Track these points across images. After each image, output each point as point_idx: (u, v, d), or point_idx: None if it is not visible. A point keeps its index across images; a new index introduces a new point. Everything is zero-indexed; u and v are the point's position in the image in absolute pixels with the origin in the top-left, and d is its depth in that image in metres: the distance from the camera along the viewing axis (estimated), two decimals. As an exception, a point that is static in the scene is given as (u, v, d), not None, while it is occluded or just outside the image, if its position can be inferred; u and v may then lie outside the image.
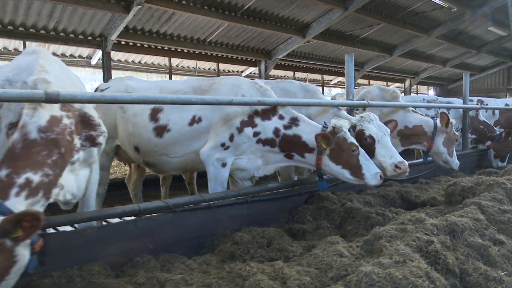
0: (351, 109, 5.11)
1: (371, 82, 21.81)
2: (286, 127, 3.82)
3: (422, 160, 6.38)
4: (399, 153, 4.13)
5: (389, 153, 3.95)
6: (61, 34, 9.97)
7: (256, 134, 3.80)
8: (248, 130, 3.76)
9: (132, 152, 4.13)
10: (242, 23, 11.42)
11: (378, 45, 16.41)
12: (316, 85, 18.82)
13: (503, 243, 2.91)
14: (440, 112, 5.34)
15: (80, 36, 10.30)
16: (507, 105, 9.84)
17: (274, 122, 3.84)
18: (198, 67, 14.26)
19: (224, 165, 3.80)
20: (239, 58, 14.10)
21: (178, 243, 3.31)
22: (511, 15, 11.60)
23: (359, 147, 3.68)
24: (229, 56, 13.78)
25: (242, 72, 15.76)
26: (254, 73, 15.17)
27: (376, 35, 15.39)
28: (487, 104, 9.75)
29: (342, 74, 18.85)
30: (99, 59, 11.48)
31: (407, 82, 22.97)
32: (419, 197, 4.50)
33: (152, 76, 12.92)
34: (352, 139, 3.67)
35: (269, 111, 3.87)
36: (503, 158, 7.77)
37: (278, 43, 13.80)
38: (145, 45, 11.60)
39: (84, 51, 11.48)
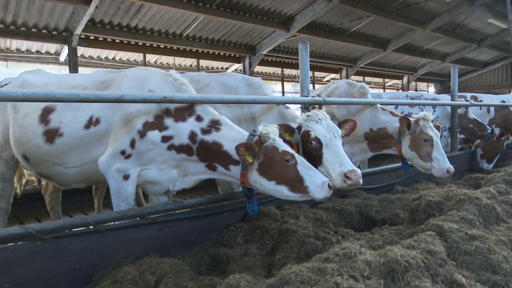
0: (306, 107, 4.35)
1: (366, 79, 20.95)
2: (205, 131, 3.09)
3: (399, 165, 5.63)
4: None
5: (338, 159, 3.20)
6: (22, 28, 9.29)
7: (165, 139, 3.07)
8: (153, 134, 3.03)
9: (22, 162, 3.42)
10: (219, 16, 10.67)
11: (371, 40, 15.57)
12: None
13: (463, 286, 2.16)
14: (399, 117, 4.55)
15: (43, 31, 9.61)
16: (503, 101, 9.00)
17: (190, 125, 3.10)
18: (178, 64, 13.53)
19: (126, 177, 3.07)
20: (221, 54, 13.36)
21: (51, 279, 2.59)
22: (509, 4, 10.74)
23: (296, 155, 2.93)
24: (210, 52, 13.03)
25: (227, 68, 15.01)
26: (240, 70, 14.41)
27: (367, 29, 14.55)
28: (481, 101, 8.93)
29: (334, 71, 18.10)
30: (67, 56, 10.79)
31: (405, 79, 22.06)
32: (380, 213, 3.74)
33: None
34: (285, 147, 2.92)
35: (185, 110, 3.13)
36: (490, 159, 6.96)
37: (261, 38, 13.03)
38: (117, 40, 10.89)
39: (51, 47, 10.79)
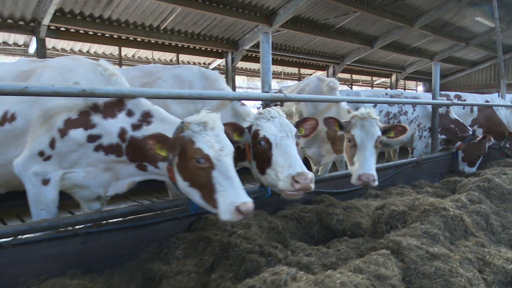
0: (267, 104, 3.97)
1: (354, 76, 20.69)
2: (135, 127, 2.69)
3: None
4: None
5: (287, 161, 2.85)
6: (-15, 17, 8.78)
7: (92, 138, 2.67)
8: (77, 133, 2.62)
9: None
10: (197, 9, 10.23)
11: (358, 36, 15.25)
12: (293, 79, 17.73)
13: (413, 320, 1.80)
14: (324, 118, 4.07)
15: (9, 21, 9.10)
16: (487, 101, 8.73)
17: (120, 121, 2.70)
18: (158, 58, 13.06)
19: (45, 182, 2.67)
20: (202, 48, 12.92)
21: None
22: (495, 1, 10.48)
23: (217, 159, 2.41)
24: (191, 46, 12.60)
25: (209, 64, 14.58)
26: (223, 66, 13.99)
27: (354, 25, 14.22)
28: (464, 100, 8.65)
29: (321, 68, 17.75)
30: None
31: (393, 77, 21.83)
32: (342, 223, 3.38)
33: None
34: (203, 145, 2.40)
35: (115, 105, 2.73)
36: (472, 162, 6.67)
37: (244, 33, 12.62)
38: (90, 32, 10.39)
39: (19, 38, 10.26)
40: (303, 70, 17.88)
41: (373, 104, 7.04)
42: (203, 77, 3.84)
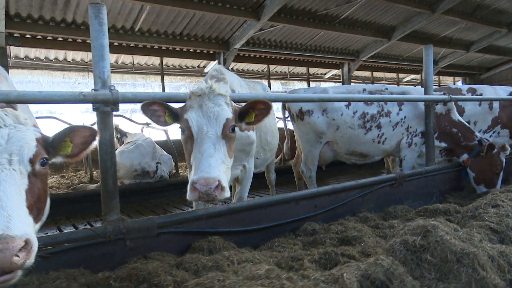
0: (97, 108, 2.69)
1: (377, 74, 18.68)
2: None
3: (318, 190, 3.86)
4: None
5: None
6: None
7: None
8: None
9: None
10: (166, 5, 9.17)
11: (370, 28, 13.42)
12: (301, 80, 16.18)
13: None
14: (141, 106, 2.75)
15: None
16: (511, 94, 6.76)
17: None
18: (137, 63, 12.18)
19: None
20: (191, 50, 11.86)
21: None
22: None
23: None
24: (177, 49, 11.59)
25: (204, 67, 13.51)
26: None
27: (362, 15, 12.46)
28: (480, 94, 6.75)
29: (334, 66, 16.05)
30: None
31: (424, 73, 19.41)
32: None
33: (71, 75, 11.00)
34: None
35: None
36: (490, 183, 4.95)
37: (233, 30, 11.39)
38: (60, 38, 9.72)
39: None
40: (313, 70, 16.28)
41: (346, 104, 5.50)
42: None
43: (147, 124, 9.22)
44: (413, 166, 5.63)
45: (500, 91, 6.76)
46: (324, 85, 16.57)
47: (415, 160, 5.51)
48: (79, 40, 10.00)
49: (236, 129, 3.33)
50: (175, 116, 2.70)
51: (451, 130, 5.41)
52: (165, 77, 12.41)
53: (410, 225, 2.11)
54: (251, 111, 2.82)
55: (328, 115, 5.50)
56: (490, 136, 6.56)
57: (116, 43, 10.51)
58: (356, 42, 14.35)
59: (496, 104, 6.53)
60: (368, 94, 5.53)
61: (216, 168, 2.41)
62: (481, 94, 6.65)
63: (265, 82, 14.66)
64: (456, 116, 5.49)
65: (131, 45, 10.77)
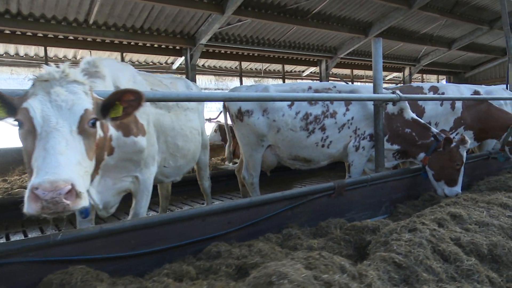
0: None
1: (357, 72, 18.20)
2: None
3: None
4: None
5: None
6: None
7: None
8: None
9: None
10: (120, -4, 8.59)
11: (345, 23, 12.90)
12: (275, 77, 15.63)
13: None
14: None
15: None
16: (477, 93, 6.26)
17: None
18: None
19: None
20: (155, 45, 11.23)
21: None
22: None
23: None
24: (140, 44, 10.97)
25: (172, 63, 12.91)
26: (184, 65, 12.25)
27: (336, 10, 11.95)
28: (442, 93, 6.26)
29: (312, 63, 15.52)
30: None
31: (406, 71, 19.03)
32: None
33: (20, 71, 10.33)
34: None
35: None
36: (451, 180, 4.50)
37: (198, 24, 10.81)
38: (7, 31, 9.07)
39: None
40: (290, 67, 15.76)
41: (288, 104, 4.96)
42: None
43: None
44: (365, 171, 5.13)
45: (464, 90, 6.26)
46: (304, 81, 16.04)
47: (365, 165, 5.00)
48: (29, 34, 9.35)
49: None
50: (10, 108, 2.09)
51: (404, 131, 4.90)
52: (128, 74, 11.77)
53: (257, 275, 1.57)
54: (118, 103, 2.26)
55: (269, 116, 4.97)
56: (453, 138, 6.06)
57: (71, 37, 9.87)
58: (332, 38, 13.84)
59: (459, 104, 6.03)
60: (312, 93, 5.00)
61: (67, 169, 1.81)
62: (443, 93, 6.15)
63: (236, 79, 14.11)
64: (409, 115, 4.98)
65: (88, 39, 10.14)
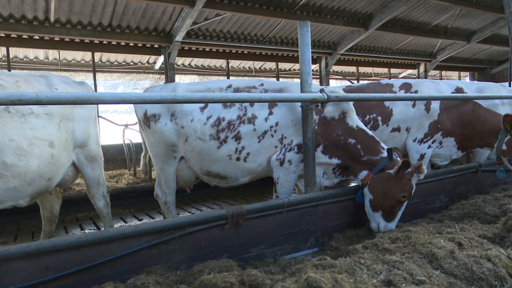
0: None
1: (363, 69, 16.82)
2: None
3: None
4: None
5: None
6: None
7: None
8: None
9: None
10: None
11: (341, 15, 11.68)
12: (268, 76, 14.58)
13: None
14: None
15: None
16: (460, 90, 5.00)
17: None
18: (64, 59, 10.95)
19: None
20: (130, 44, 10.53)
21: None
22: None
23: None
24: (113, 42, 10.30)
25: (154, 62, 12.19)
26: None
27: (326, 1, 10.78)
28: (415, 91, 5.08)
29: (312, 61, 14.30)
30: None
31: (422, 67, 17.40)
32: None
33: None
34: None
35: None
36: (390, 213, 3.48)
37: (172, 20, 10.01)
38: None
39: None
40: (287, 65, 14.68)
41: (200, 107, 4.01)
42: None
43: (126, 126, 8.63)
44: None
45: (443, 87, 5.01)
46: (296, 81, 14.91)
47: (293, 184, 3.94)
48: (-10, 34, 8.90)
49: None
50: None
51: (346, 142, 3.82)
52: (100, 74, 11.18)
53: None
54: None
55: (177, 121, 4.03)
56: (429, 147, 4.87)
57: (37, 37, 9.34)
58: (329, 33, 12.65)
59: (435, 105, 4.83)
60: (232, 93, 4.01)
61: None
62: (416, 91, 4.95)
63: (224, 78, 13.20)
64: (354, 121, 3.89)
65: (56, 39, 9.57)
